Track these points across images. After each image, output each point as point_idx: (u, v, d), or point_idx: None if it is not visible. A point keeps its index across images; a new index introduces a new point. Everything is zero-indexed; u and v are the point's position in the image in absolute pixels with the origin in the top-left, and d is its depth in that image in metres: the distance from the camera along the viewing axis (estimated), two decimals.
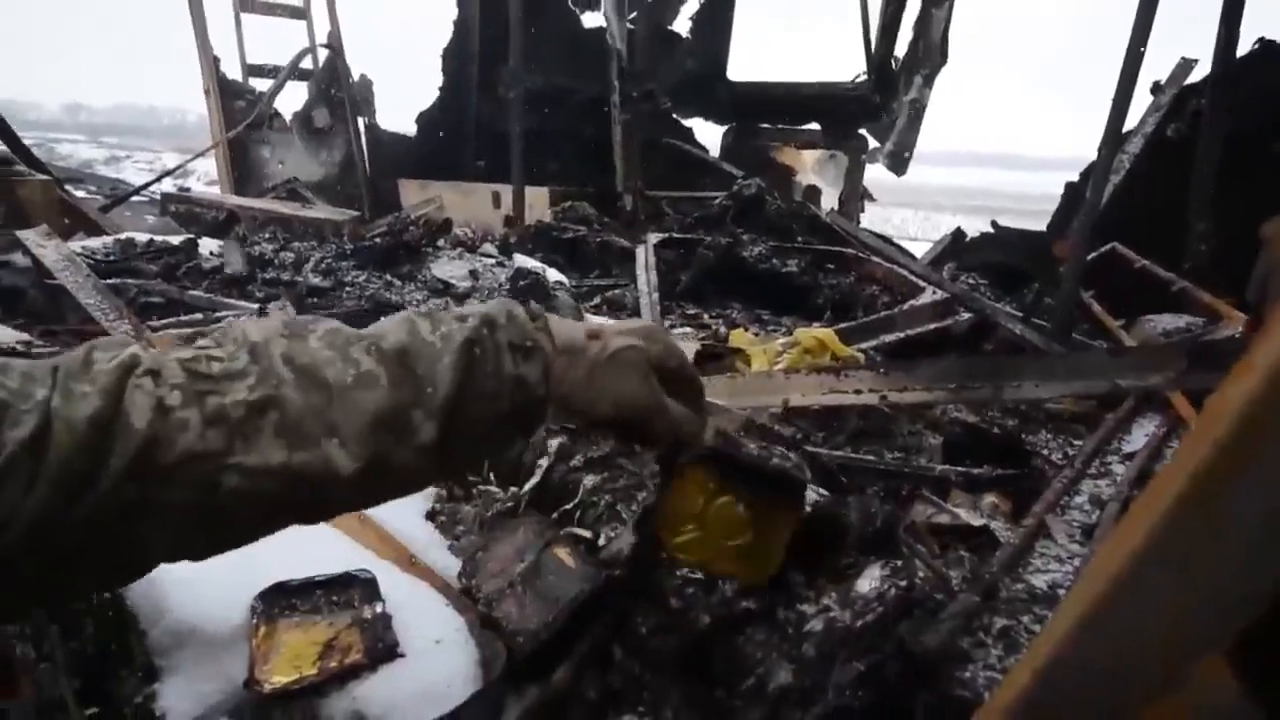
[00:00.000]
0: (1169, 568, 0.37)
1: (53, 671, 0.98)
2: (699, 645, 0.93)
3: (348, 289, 2.30)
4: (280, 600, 0.96)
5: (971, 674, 0.74)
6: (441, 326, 0.70)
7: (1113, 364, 1.38)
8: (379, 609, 0.97)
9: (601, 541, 1.05)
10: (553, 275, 2.51)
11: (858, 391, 1.40)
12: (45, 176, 3.64)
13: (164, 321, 1.91)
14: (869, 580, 0.90)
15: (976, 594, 0.81)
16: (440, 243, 2.61)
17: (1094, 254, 2.48)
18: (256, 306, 2.04)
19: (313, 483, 0.64)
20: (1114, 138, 2.13)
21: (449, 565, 1.16)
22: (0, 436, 0.54)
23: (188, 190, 4.69)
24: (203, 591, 1.00)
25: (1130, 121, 2.76)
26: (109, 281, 2.09)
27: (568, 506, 1.15)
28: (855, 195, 4.84)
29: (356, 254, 2.49)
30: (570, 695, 0.91)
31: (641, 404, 0.78)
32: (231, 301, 2.19)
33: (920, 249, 3.75)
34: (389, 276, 2.39)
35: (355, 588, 1.00)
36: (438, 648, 0.97)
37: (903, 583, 0.88)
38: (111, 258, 2.62)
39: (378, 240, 2.49)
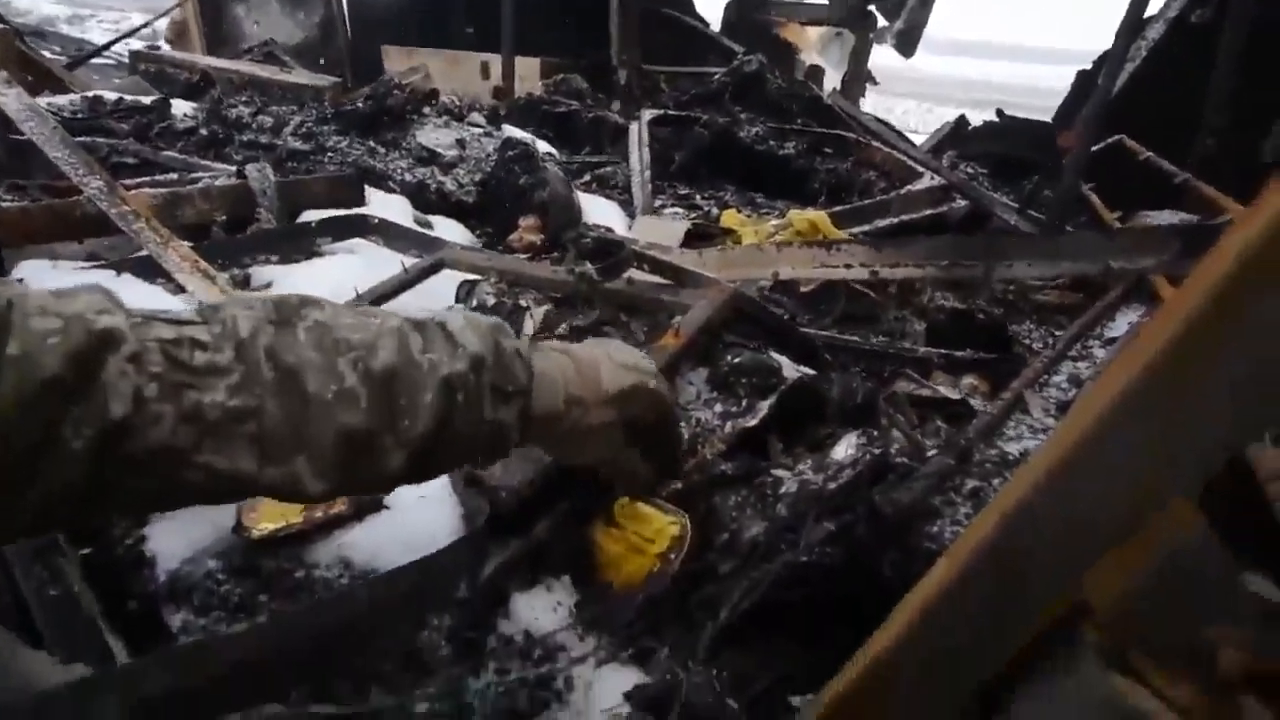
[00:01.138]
0: (1143, 420, 0.38)
1: None
2: (677, 503, 0.96)
3: (329, 154, 2.22)
4: None
5: (940, 529, 0.76)
6: (431, 352, 0.68)
7: (1106, 246, 1.37)
8: None
9: None
10: (542, 147, 2.43)
11: (849, 266, 1.39)
12: (2, 26, 3.43)
13: (138, 180, 1.84)
14: (845, 447, 0.92)
15: (951, 457, 0.83)
16: (426, 110, 2.50)
17: (1099, 145, 2.41)
18: (233, 169, 1.97)
19: (276, 492, 0.64)
20: (1135, 22, 2.02)
21: None
22: None
23: (158, 49, 4.44)
24: None
25: (1153, 7, 2.63)
26: (78, 139, 2.00)
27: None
28: (859, 77, 4.65)
29: (338, 119, 2.38)
30: (550, 547, 0.94)
31: (607, 466, 0.89)
32: (207, 164, 2.11)
33: (919, 141, 3.64)
34: (372, 143, 2.30)
35: None
36: (421, 502, 0.99)
37: (878, 450, 0.89)
38: (79, 115, 2.49)
39: (360, 105, 2.37)
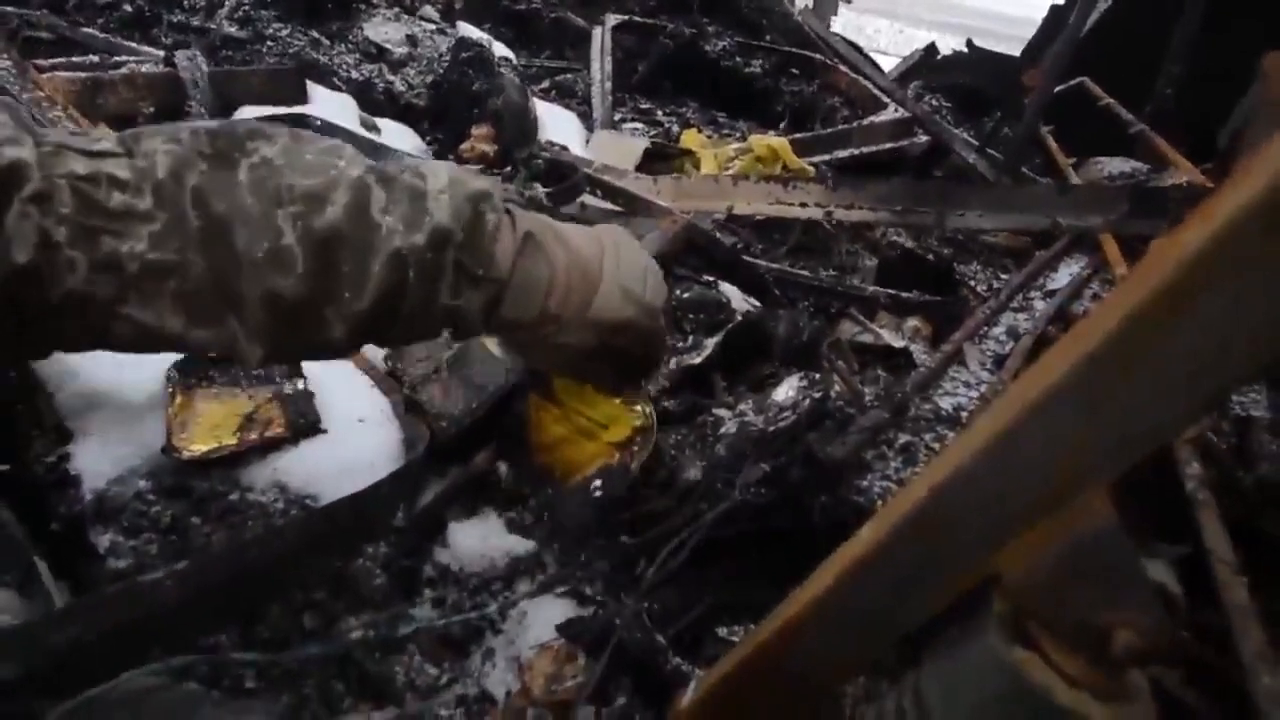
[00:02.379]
0: (1079, 402, 0.38)
1: None
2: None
3: (269, 44, 2.06)
4: (197, 370, 0.94)
5: (870, 483, 0.79)
6: (391, 215, 0.58)
7: (1056, 200, 1.38)
8: (300, 385, 0.96)
9: None
10: (499, 50, 2.30)
11: (804, 205, 1.38)
12: None
13: (53, 62, 1.68)
14: (786, 389, 0.93)
15: (887, 411, 0.85)
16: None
17: (1062, 86, 2.40)
18: (161, 54, 1.82)
19: (212, 351, 0.59)
20: None
21: (375, 349, 1.15)
22: None
23: None
24: (113, 358, 0.96)
25: None
26: None
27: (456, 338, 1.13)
28: None
29: (279, 3, 2.21)
30: (489, 476, 0.95)
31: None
32: (132, 45, 1.95)
33: (889, 64, 3.57)
34: (316, 34, 2.14)
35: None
36: (361, 426, 0.98)
37: (818, 395, 0.91)
38: None
39: None
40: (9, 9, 1.96)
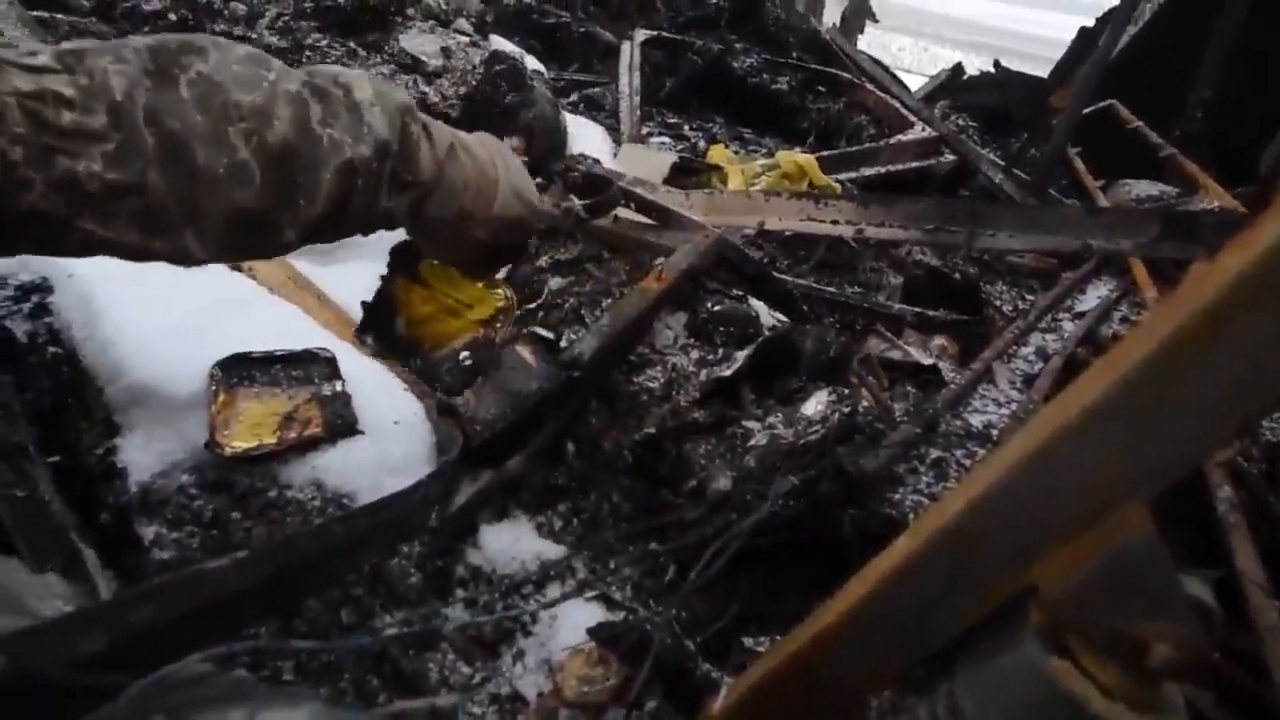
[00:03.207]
0: (1116, 423, 0.39)
1: (10, 418, 0.99)
2: (647, 447, 0.98)
3: (307, 53, 2.11)
4: (239, 370, 0.96)
5: (901, 496, 0.79)
6: (332, 128, 0.63)
7: (1087, 223, 1.39)
8: (339, 387, 0.98)
9: (564, 344, 1.06)
10: (531, 63, 2.34)
11: (835, 222, 1.39)
12: None
13: None
14: (815, 404, 0.94)
15: (917, 426, 0.86)
16: (410, 11, 2.38)
17: (1091, 109, 2.40)
18: None
19: (163, 259, 0.62)
20: None
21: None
22: None
23: None
24: (160, 355, 0.99)
25: None
26: (37, 13, 1.87)
27: (532, 306, 1.15)
28: (861, 12, 4.53)
29: (318, 14, 2.26)
30: (522, 481, 0.96)
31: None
32: None
33: (914, 82, 3.58)
34: (353, 44, 2.19)
35: (315, 365, 1.00)
36: (396, 428, 1.00)
37: (846, 409, 0.92)
38: None
39: (341, 1, 2.25)
40: (59, 15, 2.02)
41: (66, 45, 0.57)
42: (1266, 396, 0.34)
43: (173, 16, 2.15)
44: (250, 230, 0.62)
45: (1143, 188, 2.24)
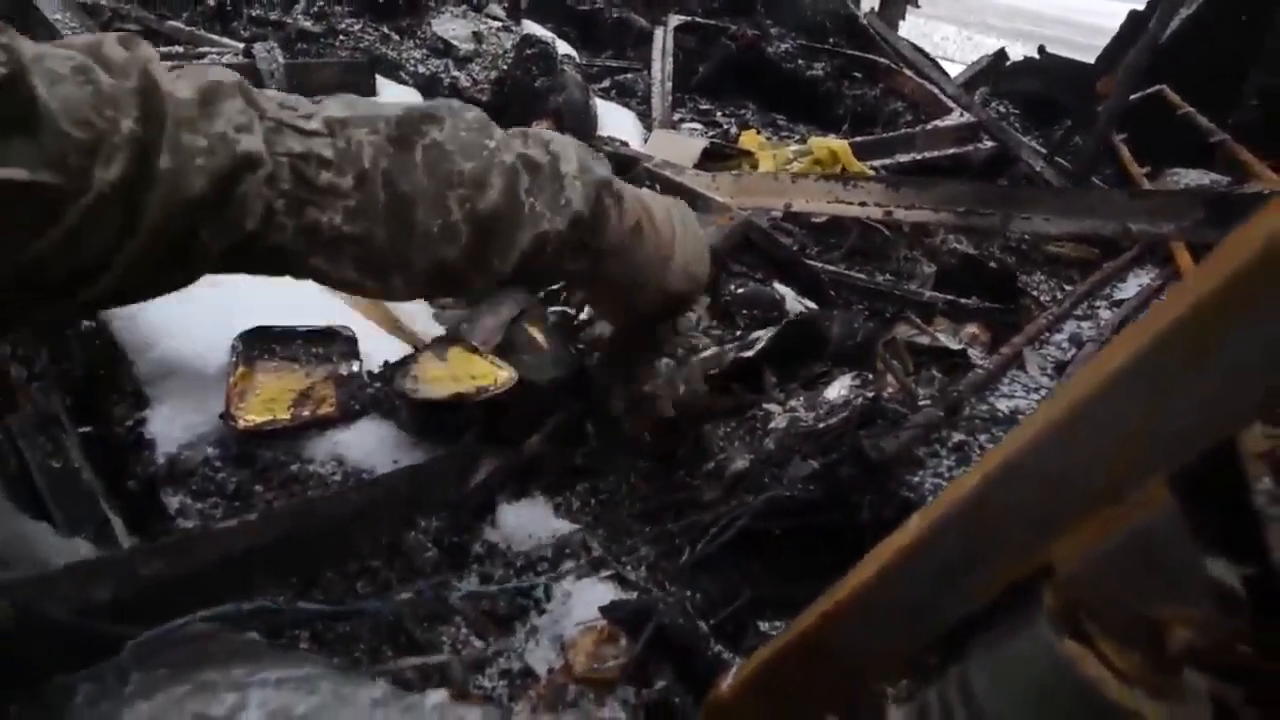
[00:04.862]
0: (1145, 387, 0.37)
1: (46, 390, 1.02)
2: (666, 428, 0.97)
3: (341, 38, 2.13)
4: (261, 343, 0.97)
5: (921, 479, 0.78)
6: (538, 197, 0.72)
7: (1127, 206, 1.33)
8: (355, 367, 0.99)
9: (584, 315, 1.06)
10: (562, 48, 2.34)
11: (863, 204, 1.36)
12: None
13: None
14: (838, 388, 0.93)
15: (940, 409, 0.84)
16: None
17: (1139, 95, 2.32)
18: (241, 45, 1.90)
19: (369, 295, 0.72)
20: None
21: (432, 332, 1.18)
22: (90, 173, 0.51)
23: None
24: (188, 328, 1.01)
25: None
26: None
27: (555, 286, 1.15)
28: None
29: None
30: (541, 460, 0.96)
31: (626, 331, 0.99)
32: (214, 37, 2.03)
33: (956, 71, 3.50)
34: (386, 29, 2.21)
35: (336, 343, 1.01)
36: None
37: (870, 393, 0.90)
38: None
39: None
40: (104, 2, 2.07)
41: (334, 112, 0.67)
42: None
43: (211, 1, 2.19)
44: (446, 280, 0.71)
45: (1193, 176, 2.16)
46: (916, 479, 0.77)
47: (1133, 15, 3.09)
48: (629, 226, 0.80)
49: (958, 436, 0.82)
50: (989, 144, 2.15)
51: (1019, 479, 0.42)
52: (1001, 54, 3.19)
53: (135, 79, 0.55)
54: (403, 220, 0.67)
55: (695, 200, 1.24)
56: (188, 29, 2.07)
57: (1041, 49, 3.26)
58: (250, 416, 0.91)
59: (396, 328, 1.20)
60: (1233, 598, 0.38)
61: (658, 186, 1.25)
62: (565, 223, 0.73)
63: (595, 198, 0.75)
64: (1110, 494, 0.40)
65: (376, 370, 1.01)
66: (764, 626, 0.82)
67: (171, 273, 0.61)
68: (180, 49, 1.87)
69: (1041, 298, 1.64)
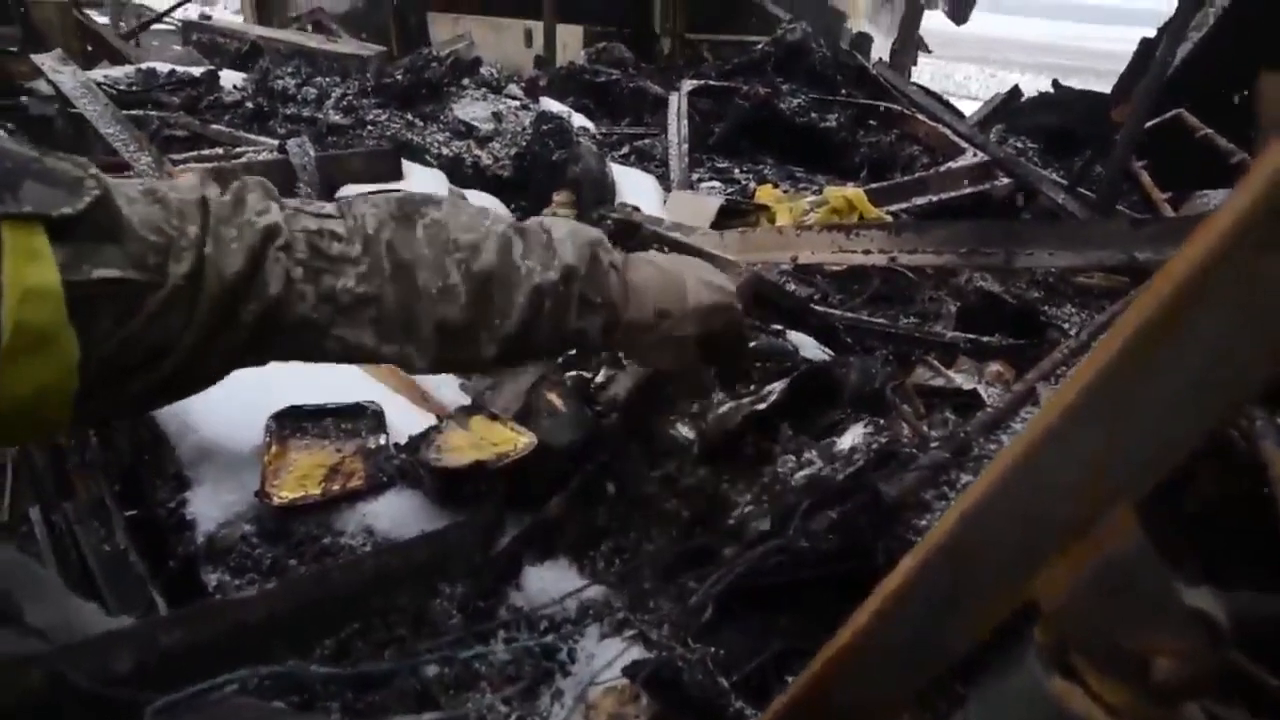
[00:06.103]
0: (1097, 421, 0.39)
1: (95, 477, 1.08)
2: (686, 486, 0.98)
3: (369, 128, 2.26)
4: (293, 422, 1.02)
5: (929, 523, 0.77)
6: (529, 258, 0.77)
7: (1130, 235, 1.32)
8: (382, 440, 1.03)
9: (600, 378, 1.08)
10: (578, 120, 2.44)
11: (867, 251, 1.38)
12: None
13: (185, 156, 1.91)
14: (851, 436, 0.93)
15: (948, 450, 0.84)
16: (465, 82, 2.52)
17: (1156, 120, 2.31)
18: (276, 143, 2.03)
19: (393, 363, 0.78)
20: None
21: (459, 402, 1.22)
22: (165, 269, 0.63)
23: (209, 18, 4.54)
24: (226, 412, 1.06)
25: None
26: (131, 113, 2.08)
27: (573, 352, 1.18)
28: (909, 45, 4.51)
29: (379, 91, 2.42)
30: (563, 523, 0.98)
31: (677, 372, 0.96)
32: (251, 137, 2.17)
33: (975, 110, 3.53)
34: (410, 116, 2.33)
35: (363, 418, 1.05)
36: None
37: (883, 439, 0.90)
38: (134, 88, 2.59)
39: (399, 78, 2.41)
40: (152, 113, 2.24)
41: (344, 199, 0.78)
42: (1231, 389, 0.33)
43: (250, 105, 2.35)
44: (455, 341, 0.76)
45: (1220, 198, 2.13)
46: (924, 523, 0.76)
47: (1144, 42, 3.10)
48: (631, 276, 0.83)
49: (967, 478, 0.81)
50: (1005, 181, 2.16)
51: (993, 516, 0.43)
52: (1015, 91, 3.22)
53: (196, 195, 0.68)
54: (407, 282, 0.73)
55: (703, 259, 1.27)
56: (228, 131, 2.22)
57: (1055, 82, 3.28)
58: (284, 493, 0.95)
59: (424, 400, 1.24)
60: (1214, 627, 0.37)
61: (666, 249, 1.29)
62: (558, 275, 0.77)
63: (590, 255, 0.79)
64: (1080, 526, 0.40)
65: (403, 442, 1.05)
66: (790, 680, 0.81)
67: (220, 352, 0.69)
68: (220, 150, 2.00)
69: (1070, 329, 1.62)
